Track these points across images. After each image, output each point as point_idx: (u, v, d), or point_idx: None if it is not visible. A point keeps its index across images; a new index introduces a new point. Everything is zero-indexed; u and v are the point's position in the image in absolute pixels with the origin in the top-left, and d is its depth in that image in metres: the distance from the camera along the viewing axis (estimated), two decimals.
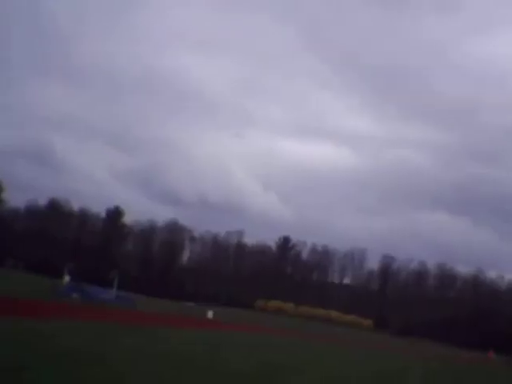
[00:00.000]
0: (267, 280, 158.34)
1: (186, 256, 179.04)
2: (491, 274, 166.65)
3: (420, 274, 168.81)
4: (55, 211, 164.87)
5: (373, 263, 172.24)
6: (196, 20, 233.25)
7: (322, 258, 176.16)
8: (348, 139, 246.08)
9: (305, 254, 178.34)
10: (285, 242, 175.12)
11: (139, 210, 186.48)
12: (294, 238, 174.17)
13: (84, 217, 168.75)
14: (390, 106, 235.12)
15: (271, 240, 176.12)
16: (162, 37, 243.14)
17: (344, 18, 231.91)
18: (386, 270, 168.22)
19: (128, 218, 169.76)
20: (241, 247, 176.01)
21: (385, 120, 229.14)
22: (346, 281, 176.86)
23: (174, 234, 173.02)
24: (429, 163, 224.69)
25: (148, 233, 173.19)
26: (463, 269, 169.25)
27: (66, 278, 74.26)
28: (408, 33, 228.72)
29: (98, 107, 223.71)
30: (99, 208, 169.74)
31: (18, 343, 18.43)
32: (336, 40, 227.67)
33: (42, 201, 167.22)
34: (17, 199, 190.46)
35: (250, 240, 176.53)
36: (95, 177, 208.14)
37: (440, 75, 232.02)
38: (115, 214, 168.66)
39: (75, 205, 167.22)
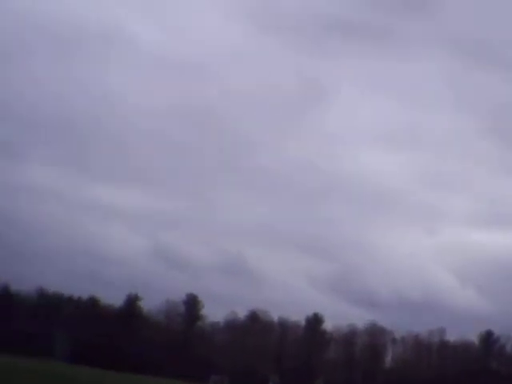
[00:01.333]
0: (472, 377, 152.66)
1: (388, 358, 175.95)
2: None
3: None
4: (255, 322, 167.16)
5: None
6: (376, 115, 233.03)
7: None
8: None
9: (509, 348, 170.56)
10: (488, 336, 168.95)
11: (338, 315, 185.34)
12: (498, 331, 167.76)
13: (284, 326, 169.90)
14: None
15: (473, 335, 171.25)
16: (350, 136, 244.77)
17: None
18: None
19: (328, 324, 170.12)
20: (443, 345, 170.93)
21: None
22: None
23: (375, 337, 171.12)
24: None
25: (349, 337, 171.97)
26: None
27: None
28: None
29: (288, 215, 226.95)
30: (298, 316, 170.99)
31: None
32: None
33: (241, 313, 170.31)
34: (216, 314, 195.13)
35: (451, 337, 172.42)
36: (292, 285, 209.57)
37: None
38: (315, 321, 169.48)
39: (274, 314, 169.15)
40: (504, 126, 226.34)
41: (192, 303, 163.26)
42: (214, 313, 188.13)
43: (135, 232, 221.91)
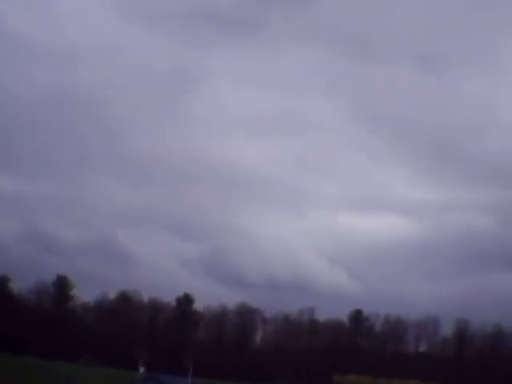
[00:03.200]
0: (342, 355, 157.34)
1: (258, 337, 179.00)
2: None
3: (496, 337, 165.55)
4: (126, 303, 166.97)
5: (447, 329, 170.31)
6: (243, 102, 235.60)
7: (396, 328, 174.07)
8: (407, 208, 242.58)
9: (378, 326, 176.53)
10: (357, 316, 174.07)
11: (209, 296, 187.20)
12: (366, 310, 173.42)
13: (154, 307, 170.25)
14: (446, 171, 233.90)
15: (343, 315, 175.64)
16: (215, 123, 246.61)
17: (395, 87, 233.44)
18: (462, 335, 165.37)
19: (199, 305, 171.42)
20: (313, 324, 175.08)
21: (443, 186, 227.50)
22: (422, 349, 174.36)
23: (246, 317, 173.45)
24: (492, 223, 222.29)
25: (219, 317, 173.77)
26: None
27: (142, 370, 75.14)
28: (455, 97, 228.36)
29: (159, 198, 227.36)
30: (169, 297, 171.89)
31: None
32: (387, 111, 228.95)
33: (112, 294, 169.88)
34: (86, 294, 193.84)
35: (321, 316, 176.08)
36: (163, 267, 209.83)
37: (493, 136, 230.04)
38: (185, 301, 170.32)
39: (145, 296, 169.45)
40: (372, 114, 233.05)
41: (62, 284, 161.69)
42: (85, 294, 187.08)
43: (6, 215, 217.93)
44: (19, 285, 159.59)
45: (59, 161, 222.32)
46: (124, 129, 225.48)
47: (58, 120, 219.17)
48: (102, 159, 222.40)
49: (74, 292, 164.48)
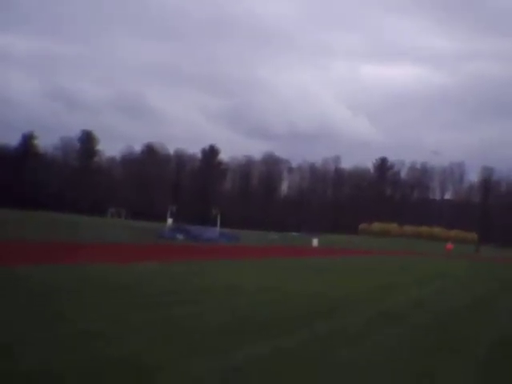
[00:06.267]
0: (368, 203, 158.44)
1: (285, 187, 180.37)
2: None
3: None
4: (151, 156, 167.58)
5: (473, 176, 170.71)
6: None
7: (421, 175, 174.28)
8: (427, 57, 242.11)
9: (403, 174, 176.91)
10: (382, 163, 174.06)
11: (234, 148, 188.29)
12: (391, 158, 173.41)
13: (180, 159, 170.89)
14: (464, 20, 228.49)
15: (368, 163, 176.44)
16: None
17: None
18: (487, 182, 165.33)
19: (224, 156, 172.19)
20: (339, 173, 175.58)
21: (461, 35, 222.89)
22: (447, 196, 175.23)
23: (271, 167, 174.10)
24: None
25: (245, 168, 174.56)
26: None
27: (169, 221, 75.62)
28: None
29: (184, 54, 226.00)
30: (195, 149, 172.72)
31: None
32: None
33: (138, 148, 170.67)
34: (112, 150, 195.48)
35: (346, 165, 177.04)
36: (187, 120, 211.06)
37: None
38: (211, 152, 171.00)
39: (170, 148, 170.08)
40: None
41: (87, 139, 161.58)
42: (111, 148, 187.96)
43: (29, 74, 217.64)
44: (44, 142, 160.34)
45: (84, 18, 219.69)
46: None
47: None
48: (127, 14, 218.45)
49: (100, 147, 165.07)
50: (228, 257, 41.88)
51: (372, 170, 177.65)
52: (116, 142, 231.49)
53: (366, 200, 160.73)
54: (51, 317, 12.71)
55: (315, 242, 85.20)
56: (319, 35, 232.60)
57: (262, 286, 21.95)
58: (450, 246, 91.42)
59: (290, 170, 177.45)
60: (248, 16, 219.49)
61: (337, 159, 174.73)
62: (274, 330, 13.20)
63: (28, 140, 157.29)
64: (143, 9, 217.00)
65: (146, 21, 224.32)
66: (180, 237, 65.65)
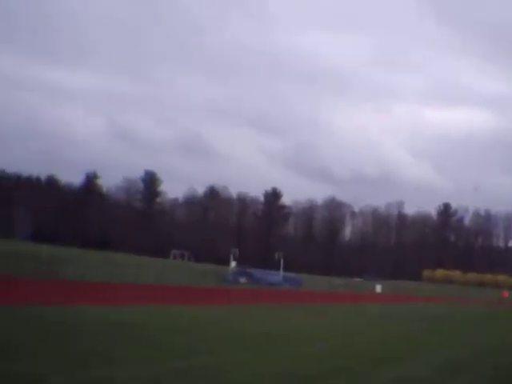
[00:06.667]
0: (431, 249, 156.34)
1: (347, 231, 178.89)
2: None
3: None
4: (214, 199, 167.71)
5: None
6: None
7: (485, 222, 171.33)
8: (491, 101, 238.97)
9: (467, 220, 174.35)
10: (445, 209, 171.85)
11: (296, 191, 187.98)
12: (454, 204, 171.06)
13: (243, 202, 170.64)
14: None
15: (431, 207, 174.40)
16: (294, 16, 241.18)
17: None
18: None
19: (286, 199, 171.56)
20: (402, 218, 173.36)
21: None
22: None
23: (334, 211, 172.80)
24: None
25: (308, 211, 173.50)
26: None
27: (232, 264, 74.99)
28: None
29: (244, 95, 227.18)
30: (257, 192, 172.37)
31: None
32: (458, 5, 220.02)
33: (200, 190, 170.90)
34: (175, 190, 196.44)
35: (409, 210, 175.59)
36: (249, 162, 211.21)
37: None
38: (273, 196, 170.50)
39: (233, 191, 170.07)
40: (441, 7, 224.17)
41: (150, 180, 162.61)
42: (173, 189, 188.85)
43: (92, 113, 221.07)
44: (107, 181, 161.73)
45: (146, 58, 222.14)
46: (211, 24, 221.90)
47: (143, 15, 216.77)
48: (188, 56, 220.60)
49: (162, 187, 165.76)
50: (293, 301, 40.94)
51: (435, 216, 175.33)
52: (178, 182, 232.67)
53: (429, 246, 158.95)
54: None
55: (378, 288, 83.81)
56: (381, 77, 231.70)
57: (341, 331, 20.86)
58: (506, 293, 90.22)
59: (353, 214, 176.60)
60: (311, 57, 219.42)
61: (400, 204, 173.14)
62: None
63: (91, 179, 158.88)
64: (205, 50, 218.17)
65: (209, 62, 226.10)
66: (243, 280, 64.85)
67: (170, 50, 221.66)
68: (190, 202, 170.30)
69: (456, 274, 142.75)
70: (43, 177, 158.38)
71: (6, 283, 27.61)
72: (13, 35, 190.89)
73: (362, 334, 23.11)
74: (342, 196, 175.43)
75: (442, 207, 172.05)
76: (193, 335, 18.19)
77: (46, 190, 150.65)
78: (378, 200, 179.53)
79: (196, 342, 16.59)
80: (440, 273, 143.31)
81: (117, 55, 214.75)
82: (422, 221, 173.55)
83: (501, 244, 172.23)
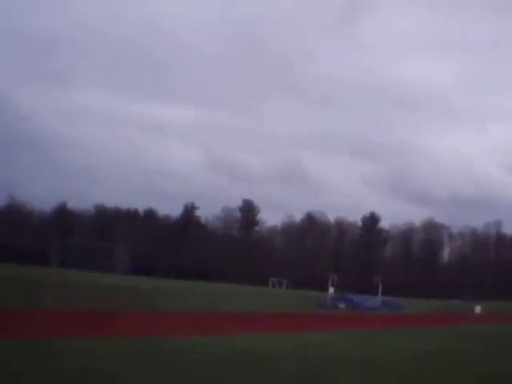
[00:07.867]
0: None
1: (446, 253, 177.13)
2: None
3: None
4: (312, 225, 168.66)
5: None
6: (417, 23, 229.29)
7: None
8: None
9: None
10: None
11: (394, 214, 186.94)
12: None
13: (341, 227, 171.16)
14: None
15: None
16: (389, 43, 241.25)
17: None
18: None
19: (384, 223, 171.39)
20: (500, 237, 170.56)
21: None
22: None
23: (432, 233, 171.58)
24: None
25: (406, 235, 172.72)
26: None
27: (331, 290, 75.50)
28: None
29: (338, 121, 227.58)
30: (355, 217, 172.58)
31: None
32: None
33: (298, 216, 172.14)
34: (273, 218, 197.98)
35: (508, 229, 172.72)
36: (347, 187, 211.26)
37: None
38: (371, 220, 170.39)
39: (331, 216, 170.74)
40: None
41: (248, 209, 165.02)
42: (270, 217, 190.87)
43: (189, 145, 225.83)
44: (206, 212, 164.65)
45: (238, 89, 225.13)
46: (297, 55, 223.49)
47: (228, 47, 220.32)
48: (289, 84, 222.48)
49: (260, 216, 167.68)
50: (395, 325, 41.37)
51: None
52: (276, 210, 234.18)
53: None
54: None
55: (478, 308, 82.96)
56: (474, 98, 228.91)
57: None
58: None
59: (451, 235, 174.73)
60: (405, 81, 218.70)
61: (498, 223, 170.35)
62: None
63: (190, 210, 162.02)
64: (297, 77, 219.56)
65: (300, 89, 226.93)
66: (342, 306, 65.26)
67: (265, 81, 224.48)
68: (288, 229, 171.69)
69: None
70: (141, 210, 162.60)
71: (110, 317, 28.73)
72: (116, 73, 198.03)
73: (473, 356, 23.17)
74: (441, 217, 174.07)
75: None
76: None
77: (144, 222, 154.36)
78: (476, 221, 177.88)
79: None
80: None
81: (211, 89, 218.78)
82: None
83: None
